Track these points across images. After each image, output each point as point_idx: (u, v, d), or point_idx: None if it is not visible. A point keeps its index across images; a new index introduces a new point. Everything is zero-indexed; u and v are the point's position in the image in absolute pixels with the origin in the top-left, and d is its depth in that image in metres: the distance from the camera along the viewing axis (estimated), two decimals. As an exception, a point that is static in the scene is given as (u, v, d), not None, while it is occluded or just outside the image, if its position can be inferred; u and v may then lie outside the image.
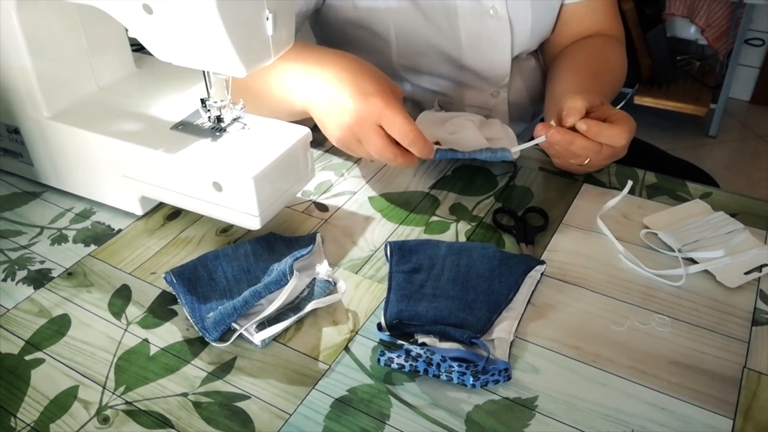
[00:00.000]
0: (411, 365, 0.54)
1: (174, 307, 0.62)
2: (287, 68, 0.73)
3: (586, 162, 0.73)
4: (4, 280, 0.66)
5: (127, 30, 0.76)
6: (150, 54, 0.62)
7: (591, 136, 0.69)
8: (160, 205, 0.75)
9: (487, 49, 0.91)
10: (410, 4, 0.86)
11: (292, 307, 0.61)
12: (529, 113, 1.03)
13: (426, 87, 0.95)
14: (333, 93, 0.69)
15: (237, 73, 0.59)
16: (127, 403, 0.54)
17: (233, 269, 0.64)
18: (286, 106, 0.75)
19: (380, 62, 0.91)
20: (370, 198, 0.76)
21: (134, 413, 0.53)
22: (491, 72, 0.94)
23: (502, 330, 0.58)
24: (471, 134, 0.76)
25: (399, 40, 0.88)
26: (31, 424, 0.52)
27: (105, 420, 0.52)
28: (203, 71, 0.64)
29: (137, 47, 0.76)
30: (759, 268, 0.64)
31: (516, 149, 0.74)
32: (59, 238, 0.71)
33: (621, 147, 0.72)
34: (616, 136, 0.70)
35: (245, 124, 0.68)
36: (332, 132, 0.71)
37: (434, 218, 0.73)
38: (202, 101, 0.67)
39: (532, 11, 0.91)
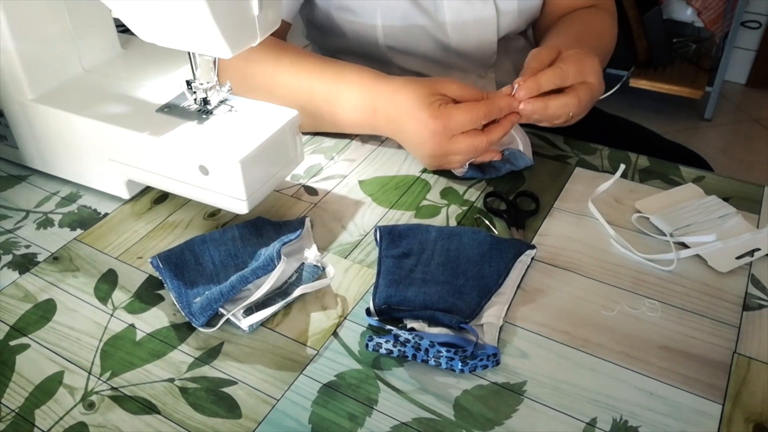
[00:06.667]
0: (399, 350, 0.54)
1: (161, 292, 0.62)
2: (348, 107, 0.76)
3: (571, 116, 0.72)
4: (-11, 264, 0.65)
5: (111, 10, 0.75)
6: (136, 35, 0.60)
7: (533, 112, 0.69)
8: (147, 189, 0.74)
9: (472, 30, 0.90)
10: None
11: (280, 292, 0.60)
12: None
13: (413, 69, 0.94)
14: (403, 133, 0.73)
15: (222, 54, 0.58)
16: (112, 388, 0.53)
17: (220, 254, 0.63)
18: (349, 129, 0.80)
19: (366, 45, 0.90)
20: (360, 182, 0.76)
21: (120, 399, 0.52)
22: (477, 53, 0.93)
23: (492, 315, 0.58)
24: None
25: (385, 22, 0.87)
26: (16, 410, 0.52)
27: (90, 405, 0.52)
28: (188, 52, 0.63)
29: (123, 28, 0.74)
30: (751, 253, 0.64)
31: (526, 149, 0.76)
32: (45, 222, 0.70)
33: (596, 86, 0.71)
34: (563, 105, 0.69)
35: (232, 107, 0.67)
36: (424, 162, 0.75)
37: (425, 202, 0.72)
38: (188, 83, 0.66)
39: None
